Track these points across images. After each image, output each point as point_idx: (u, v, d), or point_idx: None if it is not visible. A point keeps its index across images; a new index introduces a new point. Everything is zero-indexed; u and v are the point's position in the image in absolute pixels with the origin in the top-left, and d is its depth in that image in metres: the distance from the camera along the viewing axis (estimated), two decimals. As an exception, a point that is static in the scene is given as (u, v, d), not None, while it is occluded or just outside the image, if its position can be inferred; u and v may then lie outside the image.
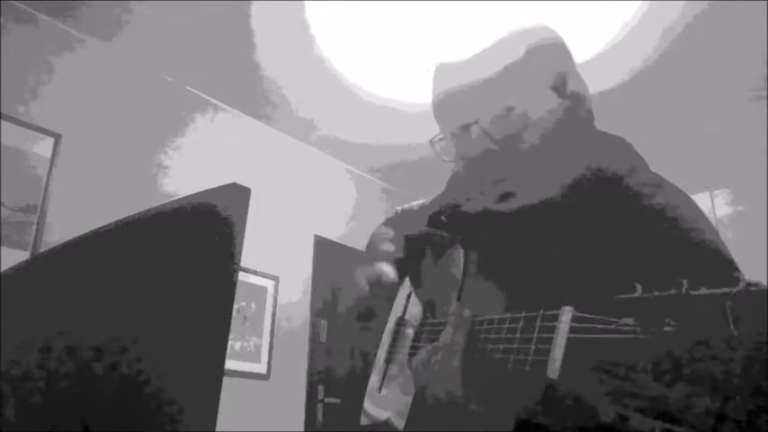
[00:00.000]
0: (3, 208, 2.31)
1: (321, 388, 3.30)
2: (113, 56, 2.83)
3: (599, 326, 0.50)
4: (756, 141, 3.12)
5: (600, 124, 0.83)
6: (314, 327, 3.39)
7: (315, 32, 2.68)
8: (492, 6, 2.35)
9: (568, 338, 0.53)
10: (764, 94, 2.86)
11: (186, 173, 2.92)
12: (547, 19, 0.81)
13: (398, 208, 1.23)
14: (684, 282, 0.45)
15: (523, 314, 0.62)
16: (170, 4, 2.50)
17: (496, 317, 0.66)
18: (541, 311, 0.59)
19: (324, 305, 3.45)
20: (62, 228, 2.40)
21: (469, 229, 0.88)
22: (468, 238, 0.88)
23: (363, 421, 1.04)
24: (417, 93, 2.94)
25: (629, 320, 0.47)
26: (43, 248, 2.39)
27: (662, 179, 0.74)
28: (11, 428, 0.53)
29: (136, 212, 0.58)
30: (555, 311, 0.56)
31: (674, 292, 0.46)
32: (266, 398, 2.96)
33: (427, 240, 1.04)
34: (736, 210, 3.57)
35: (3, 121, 2.37)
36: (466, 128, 0.77)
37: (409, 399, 0.89)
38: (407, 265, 1.08)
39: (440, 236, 0.97)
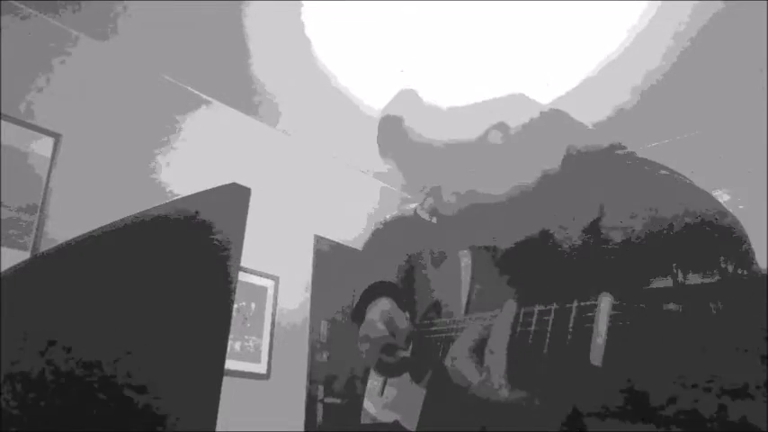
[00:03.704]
0: (3, 208, 2.31)
1: (321, 388, 3.30)
2: (113, 56, 2.83)
3: (640, 313, 0.49)
4: (756, 141, 3.11)
5: (603, 125, 0.83)
6: (314, 327, 3.39)
7: (315, 33, 2.68)
8: (493, 6, 2.35)
9: (609, 326, 0.51)
10: (765, 93, 2.86)
11: (186, 173, 2.92)
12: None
13: (387, 216, 1.22)
14: (722, 260, 0.46)
15: (554, 305, 0.59)
16: (170, 4, 2.50)
17: (537, 308, 0.64)
18: (575, 302, 0.57)
19: (324, 305, 3.44)
20: (62, 228, 2.39)
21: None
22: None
23: (364, 419, 1.04)
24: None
25: (673, 306, 0.46)
26: (43, 248, 2.38)
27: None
28: (10, 429, 0.53)
29: (136, 212, 0.58)
30: (593, 301, 0.54)
31: (715, 277, 0.45)
32: (266, 398, 2.96)
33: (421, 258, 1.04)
34: (736, 209, 3.56)
35: (3, 121, 2.37)
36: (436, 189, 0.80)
37: (419, 400, 0.88)
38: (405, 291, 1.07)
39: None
